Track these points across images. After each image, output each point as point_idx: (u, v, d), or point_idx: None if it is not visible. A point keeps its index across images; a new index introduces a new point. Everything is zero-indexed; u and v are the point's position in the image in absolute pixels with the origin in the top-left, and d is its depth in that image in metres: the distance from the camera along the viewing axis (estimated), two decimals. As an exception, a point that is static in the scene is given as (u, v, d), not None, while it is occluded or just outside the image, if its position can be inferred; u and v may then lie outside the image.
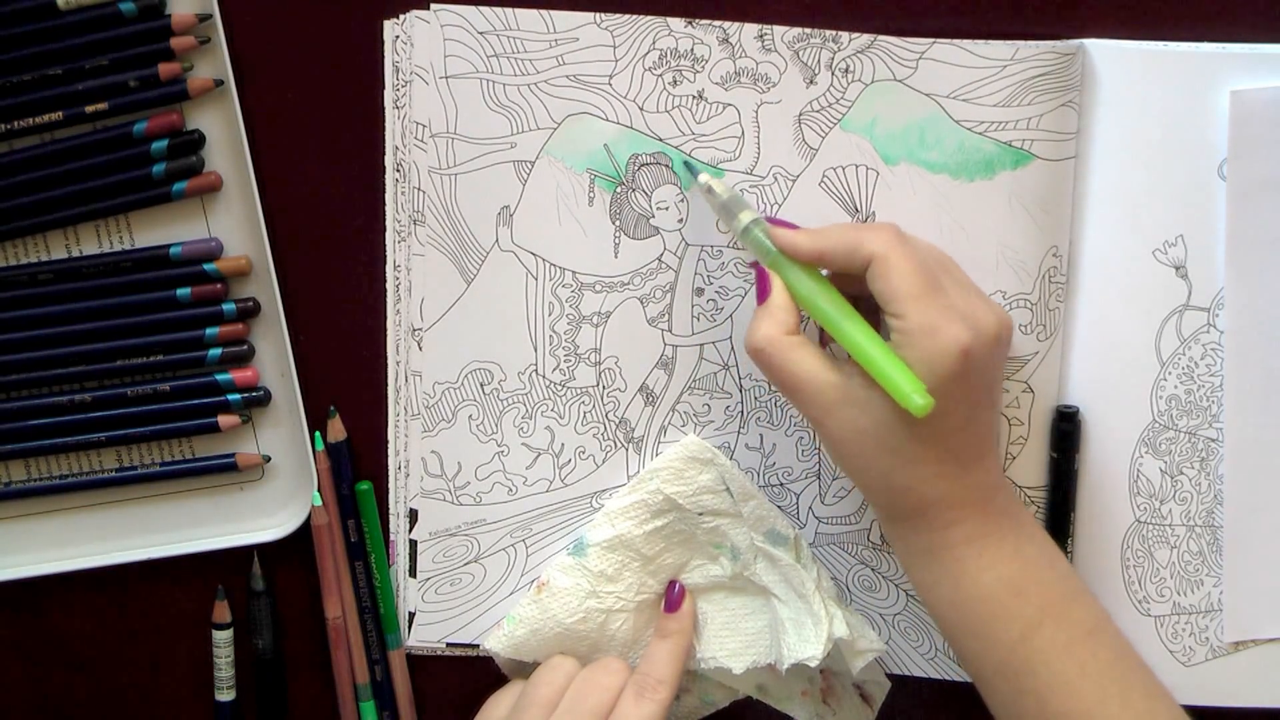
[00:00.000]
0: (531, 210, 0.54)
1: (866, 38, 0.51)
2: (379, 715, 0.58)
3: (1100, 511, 0.55)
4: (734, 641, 0.56)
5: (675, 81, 0.53)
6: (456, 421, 0.56)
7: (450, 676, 0.59)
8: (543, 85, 0.53)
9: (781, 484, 0.56)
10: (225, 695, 0.59)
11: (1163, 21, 0.52)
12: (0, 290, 0.55)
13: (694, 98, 0.53)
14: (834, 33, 0.52)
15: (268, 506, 0.58)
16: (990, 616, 0.46)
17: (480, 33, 0.52)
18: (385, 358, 0.56)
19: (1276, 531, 0.55)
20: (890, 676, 0.58)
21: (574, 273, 0.54)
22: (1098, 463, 0.55)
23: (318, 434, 0.56)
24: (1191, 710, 0.47)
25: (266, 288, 0.55)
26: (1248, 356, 0.53)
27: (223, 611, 0.58)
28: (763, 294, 0.48)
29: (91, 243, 0.55)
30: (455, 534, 0.57)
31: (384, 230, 0.55)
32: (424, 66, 0.53)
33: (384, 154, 0.54)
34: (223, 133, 0.54)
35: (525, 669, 0.56)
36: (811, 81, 0.52)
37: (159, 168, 0.54)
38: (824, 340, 0.52)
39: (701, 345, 0.55)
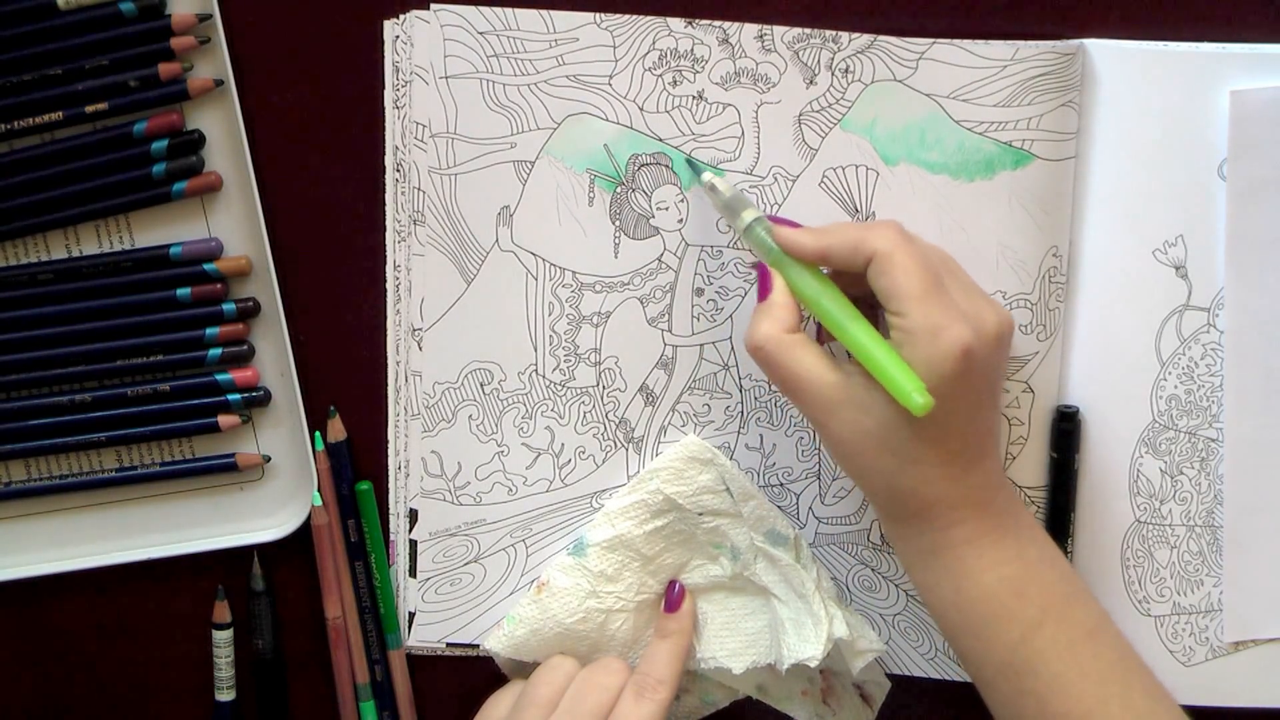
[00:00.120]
0: (531, 210, 0.54)
1: (866, 38, 0.51)
2: (379, 715, 0.58)
3: (1100, 511, 0.55)
4: (734, 641, 0.56)
5: (675, 82, 0.53)
6: (456, 421, 0.56)
7: (450, 676, 0.59)
8: (543, 85, 0.53)
9: (781, 484, 0.56)
10: (225, 695, 0.59)
11: (1163, 21, 0.52)
12: (0, 290, 0.55)
13: (694, 98, 0.53)
14: (834, 33, 0.52)
15: (268, 506, 0.58)
16: (991, 617, 0.46)
17: (480, 33, 0.52)
18: (385, 358, 0.56)
19: (1276, 531, 0.55)
20: (890, 676, 0.58)
21: (574, 273, 0.54)
22: (1098, 463, 0.55)
23: (318, 434, 0.56)
24: (1191, 710, 0.47)
25: (266, 288, 0.55)
26: (1248, 356, 0.53)
27: (223, 611, 0.58)
28: (764, 292, 0.48)
29: (91, 243, 0.55)
30: (455, 534, 0.57)
31: (384, 230, 0.55)
32: (424, 66, 0.53)
33: (384, 154, 0.54)
34: (223, 133, 0.54)
35: (525, 669, 0.56)
36: (811, 82, 0.52)
37: (159, 168, 0.54)
38: (823, 339, 0.52)
39: (701, 345, 0.55)
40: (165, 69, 0.52)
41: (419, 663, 0.59)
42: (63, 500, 0.58)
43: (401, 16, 0.53)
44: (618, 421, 0.56)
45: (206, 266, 0.55)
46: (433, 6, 0.52)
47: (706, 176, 0.51)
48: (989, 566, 0.47)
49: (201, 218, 0.55)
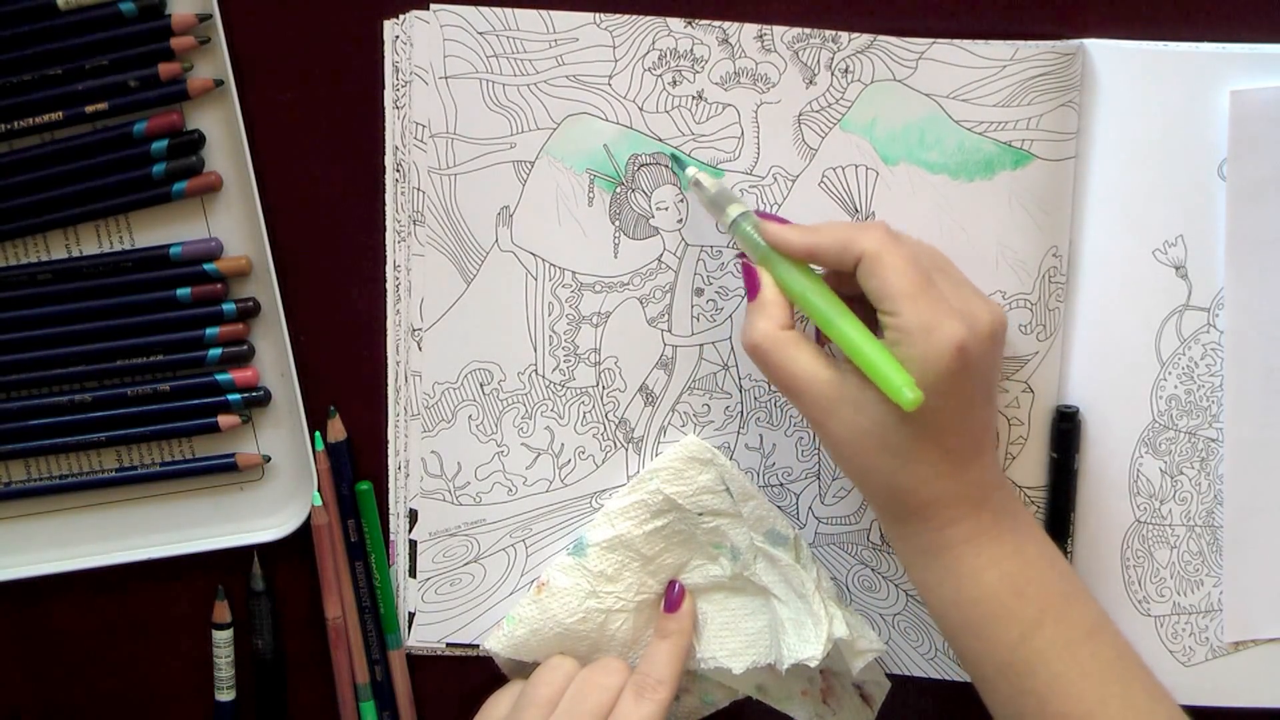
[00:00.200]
0: (531, 210, 0.54)
1: (866, 38, 0.51)
2: (379, 715, 0.58)
3: (1100, 511, 0.55)
4: (734, 641, 0.56)
5: (675, 82, 0.53)
6: (456, 421, 0.56)
7: (450, 676, 0.59)
8: (542, 85, 0.53)
9: (781, 484, 0.56)
10: (225, 695, 0.59)
11: (1163, 21, 0.52)
12: (0, 290, 0.55)
13: (694, 98, 0.53)
14: (834, 33, 0.52)
15: (268, 506, 0.58)
16: (991, 616, 0.46)
17: (480, 33, 0.52)
18: (385, 358, 0.56)
19: (1276, 531, 0.55)
20: (890, 676, 0.58)
21: (574, 273, 0.54)
22: (1098, 463, 0.55)
23: (318, 434, 0.56)
24: (1191, 710, 0.47)
25: (266, 288, 0.55)
26: (1248, 356, 0.53)
27: (223, 611, 0.58)
28: (752, 291, 0.48)
29: (91, 243, 0.55)
30: (455, 534, 0.57)
31: (384, 230, 0.55)
32: (424, 66, 0.53)
33: (384, 154, 0.54)
34: (223, 133, 0.54)
35: (525, 669, 0.56)
36: (811, 82, 0.52)
37: (159, 168, 0.54)
38: (821, 339, 0.52)
39: (701, 345, 0.55)
40: (165, 69, 0.52)
41: (419, 663, 0.59)
42: (63, 500, 0.58)
43: (401, 16, 0.53)
44: (617, 422, 0.56)
45: (206, 266, 0.55)
46: (433, 6, 0.52)
47: (691, 171, 0.51)
48: (988, 565, 0.46)
49: (201, 218, 0.55)
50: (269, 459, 0.57)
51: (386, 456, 0.57)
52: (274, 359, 0.56)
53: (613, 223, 0.54)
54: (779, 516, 0.55)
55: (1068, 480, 0.54)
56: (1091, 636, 0.46)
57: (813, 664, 0.52)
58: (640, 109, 0.53)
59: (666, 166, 0.53)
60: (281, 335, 0.55)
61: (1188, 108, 0.52)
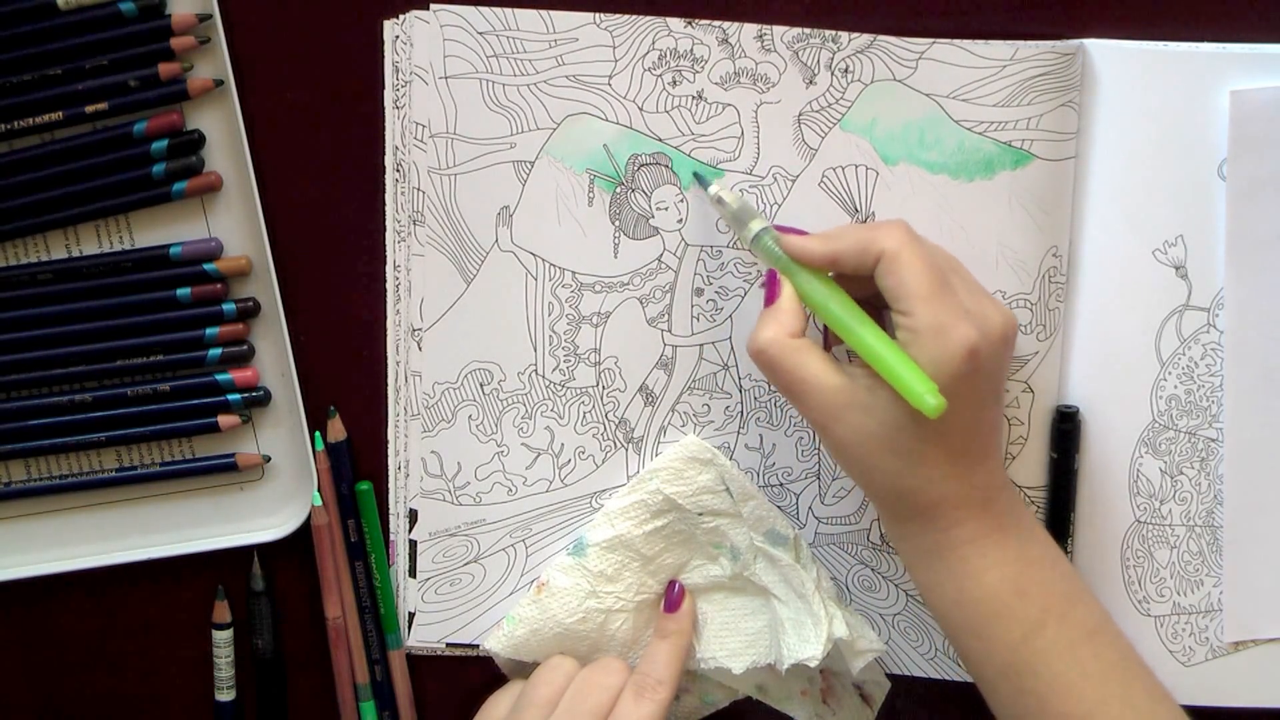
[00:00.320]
0: (531, 210, 0.54)
1: (866, 38, 0.51)
2: (379, 715, 0.58)
3: (1100, 511, 0.55)
4: (734, 641, 0.56)
5: (675, 82, 0.53)
6: (456, 421, 0.56)
7: (450, 676, 0.59)
8: (542, 85, 0.53)
9: (781, 484, 0.56)
10: (225, 695, 0.59)
11: (1163, 21, 0.52)
12: (0, 290, 0.55)
13: (694, 98, 0.53)
14: (834, 33, 0.52)
15: (268, 506, 0.58)
16: (993, 616, 0.46)
17: (480, 33, 0.52)
18: (385, 358, 0.56)
19: (1276, 531, 0.55)
20: (890, 676, 0.58)
21: (574, 273, 0.54)
22: (1098, 463, 0.55)
23: (318, 434, 0.56)
24: (1191, 710, 0.47)
25: (266, 288, 0.55)
26: (1248, 356, 0.53)
27: (223, 611, 0.58)
28: (770, 298, 0.49)
29: (91, 243, 0.55)
30: (455, 534, 0.57)
31: (384, 230, 0.55)
32: (424, 66, 0.53)
33: (384, 154, 0.54)
34: (223, 133, 0.54)
35: (525, 669, 0.56)
36: (811, 81, 0.52)
37: (159, 168, 0.54)
38: (829, 345, 0.52)
39: (701, 345, 0.55)
40: (165, 69, 0.52)
41: (419, 663, 0.59)
42: (63, 500, 0.58)
43: (401, 16, 0.53)
44: (617, 422, 0.56)
45: (206, 266, 0.55)
46: (432, 6, 0.52)
47: (713, 189, 0.51)
48: (991, 566, 0.47)
49: (201, 218, 0.55)
50: (269, 459, 0.57)
51: (386, 456, 0.57)
52: (274, 359, 0.56)
53: (613, 223, 0.54)
54: (779, 516, 0.55)
55: (1068, 480, 0.54)
56: (1093, 637, 0.46)
57: (813, 664, 0.52)
58: (640, 109, 0.53)
59: (667, 166, 0.53)
60: (281, 335, 0.55)
61: (1188, 108, 0.52)
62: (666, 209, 0.54)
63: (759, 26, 0.52)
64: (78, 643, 0.60)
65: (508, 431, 0.56)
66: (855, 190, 0.53)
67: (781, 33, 0.52)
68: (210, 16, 0.52)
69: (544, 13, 0.52)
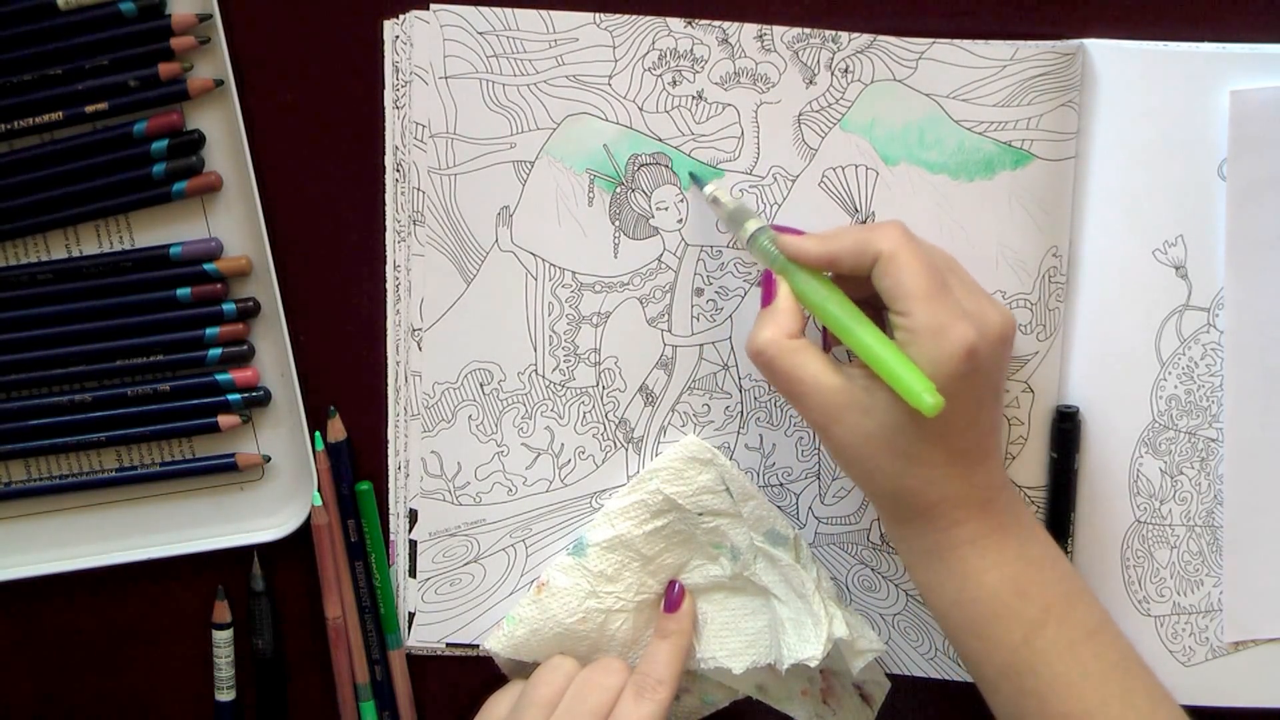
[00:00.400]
0: (531, 210, 0.54)
1: (866, 38, 0.51)
2: (379, 715, 0.58)
3: (1100, 511, 0.55)
4: (734, 641, 0.56)
5: (675, 82, 0.53)
6: (456, 421, 0.56)
7: (450, 676, 0.59)
8: (542, 85, 0.53)
9: (781, 484, 0.56)
10: (225, 695, 0.59)
11: (1163, 21, 0.52)
12: (0, 290, 0.55)
13: (694, 98, 0.53)
14: (834, 33, 0.52)
15: (268, 506, 0.58)
16: (993, 616, 0.46)
17: (480, 33, 0.52)
18: (385, 358, 0.56)
19: (1276, 531, 0.55)
20: (890, 676, 0.58)
21: (574, 273, 0.54)
22: (1098, 463, 0.55)
23: (318, 434, 0.56)
24: (1191, 710, 0.47)
25: (266, 288, 0.55)
26: (1248, 356, 0.53)
27: (223, 611, 0.58)
28: (768, 299, 0.48)
29: (91, 243, 0.55)
30: (455, 534, 0.57)
31: (384, 230, 0.55)
32: (424, 66, 0.53)
33: (384, 154, 0.54)
34: (223, 133, 0.54)
35: (525, 669, 0.56)
36: (811, 81, 0.52)
37: (159, 168, 0.54)
38: (827, 346, 0.52)
39: (701, 345, 0.55)
40: (165, 69, 0.52)
41: (419, 663, 0.59)
42: (63, 500, 0.58)
43: (401, 16, 0.53)
44: (617, 421, 0.56)
45: (206, 266, 0.55)
46: (433, 7, 0.52)
47: (709, 189, 0.51)
48: (992, 566, 0.47)
49: (201, 218, 0.55)
50: (269, 459, 0.57)
51: (386, 456, 0.57)
52: (274, 359, 0.56)
53: (613, 223, 0.54)
54: (779, 516, 0.55)
55: (1068, 480, 0.54)
56: (1093, 637, 0.46)
57: (813, 664, 0.52)
58: (640, 109, 0.53)
59: (667, 166, 0.53)
60: (281, 335, 0.55)
61: (1188, 108, 0.52)
62: (666, 209, 0.54)
63: (759, 26, 0.52)
64: (78, 643, 0.60)
65: (508, 431, 0.56)
66: (855, 190, 0.53)
67: (781, 33, 0.52)
68: (210, 16, 0.52)
69: (544, 13, 0.52)
